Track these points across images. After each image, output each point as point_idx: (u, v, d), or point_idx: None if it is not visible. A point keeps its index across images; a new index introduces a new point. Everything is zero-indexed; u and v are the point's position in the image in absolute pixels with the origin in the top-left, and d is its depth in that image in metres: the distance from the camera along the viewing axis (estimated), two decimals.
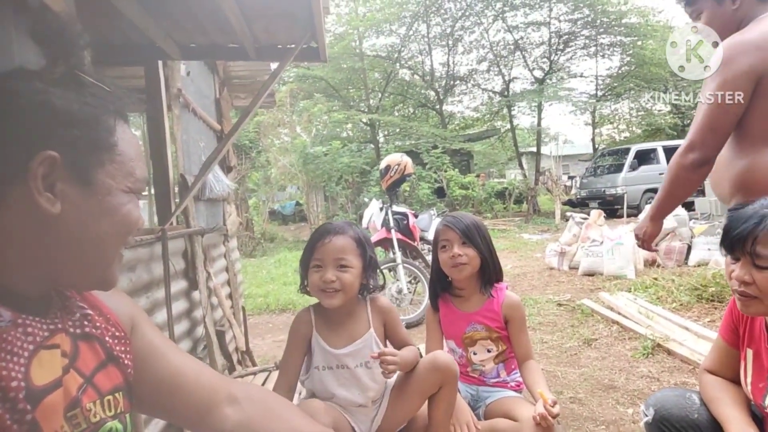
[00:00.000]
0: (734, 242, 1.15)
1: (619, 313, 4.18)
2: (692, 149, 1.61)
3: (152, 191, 5.67)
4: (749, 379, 1.29)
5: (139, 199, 0.76)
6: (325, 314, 1.55)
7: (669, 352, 3.32)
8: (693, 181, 1.65)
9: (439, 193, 14.03)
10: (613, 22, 16.14)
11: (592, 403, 2.77)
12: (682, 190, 1.71)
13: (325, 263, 1.47)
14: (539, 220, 13.97)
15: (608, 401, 2.77)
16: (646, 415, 1.43)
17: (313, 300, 1.59)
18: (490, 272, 1.79)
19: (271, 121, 13.98)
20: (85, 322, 0.74)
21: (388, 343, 1.63)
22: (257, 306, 5.99)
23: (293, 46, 2.42)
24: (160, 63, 2.57)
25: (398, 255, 4.73)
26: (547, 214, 14.69)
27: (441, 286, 1.87)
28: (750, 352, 1.30)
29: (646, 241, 1.91)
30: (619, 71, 18.34)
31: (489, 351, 1.81)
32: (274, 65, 2.93)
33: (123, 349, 0.79)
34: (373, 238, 4.72)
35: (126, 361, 0.79)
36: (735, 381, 1.37)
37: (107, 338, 0.77)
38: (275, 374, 2.37)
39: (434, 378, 1.52)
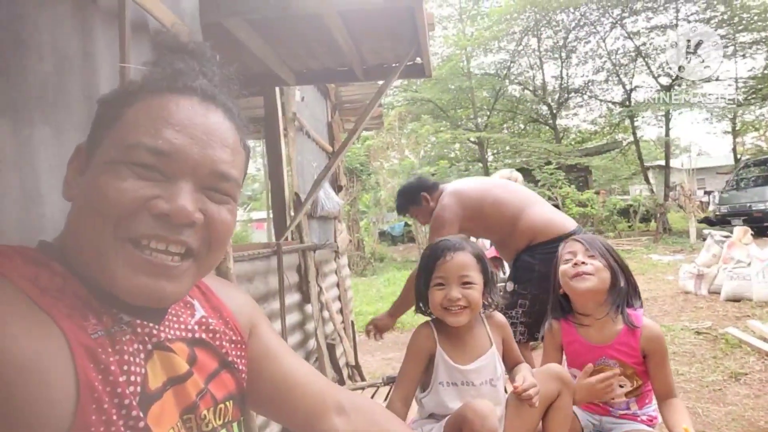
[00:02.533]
0: None
1: None
2: None
3: (270, 210, 6.08)
4: None
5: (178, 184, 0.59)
6: (446, 330, 1.51)
7: None
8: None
9: None
10: (754, 18, 14.36)
11: None
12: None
13: (448, 281, 1.44)
14: (671, 239, 12.65)
15: None
16: None
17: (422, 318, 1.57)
18: (623, 293, 1.55)
19: (380, 144, 14.41)
20: (202, 327, 0.74)
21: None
22: (367, 323, 6.09)
23: (398, 64, 2.46)
24: (277, 90, 2.76)
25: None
26: (680, 233, 13.26)
27: (562, 310, 1.65)
28: None
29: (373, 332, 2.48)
30: (764, 72, 16.20)
31: (621, 386, 1.57)
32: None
33: (239, 353, 0.79)
34: None
35: (240, 366, 0.79)
36: None
37: (224, 342, 0.77)
38: (384, 390, 2.37)
39: (552, 386, 1.43)
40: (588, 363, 1.54)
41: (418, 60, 2.46)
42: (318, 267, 3.33)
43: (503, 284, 2.41)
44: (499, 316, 1.58)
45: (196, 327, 0.73)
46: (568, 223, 2.35)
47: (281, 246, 2.29)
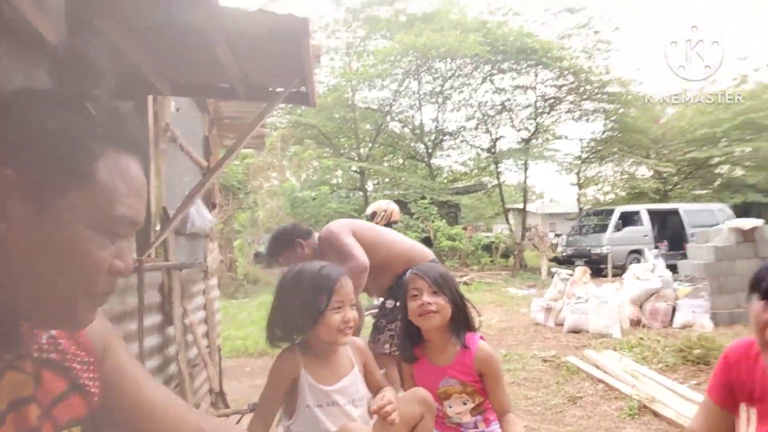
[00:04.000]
0: None
1: (605, 372, 4.09)
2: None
3: None
4: None
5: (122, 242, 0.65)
6: (311, 352, 1.53)
7: (655, 414, 3.22)
8: None
9: (426, 243, 14.01)
10: (596, 90, 16.83)
11: None
12: None
13: (344, 303, 1.49)
14: (526, 275, 13.95)
15: None
16: None
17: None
18: (460, 322, 1.73)
19: (261, 164, 14.06)
20: (52, 348, 0.70)
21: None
22: (235, 348, 5.79)
23: (282, 89, 2.45)
24: (150, 98, 2.57)
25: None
26: (534, 270, 14.69)
27: (412, 339, 1.79)
28: (753, 412, 1.24)
29: None
30: (603, 135, 18.97)
31: (465, 404, 1.74)
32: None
33: (91, 376, 0.75)
34: None
35: (92, 389, 0.74)
36: None
37: (75, 365, 0.73)
38: (248, 417, 2.25)
39: (416, 409, 1.51)
40: (433, 383, 1.71)
41: (303, 89, 2.47)
42: (184, 287, 3.11)
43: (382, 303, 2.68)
44: (359, 341, 1.66)
45: (45, 346, 0.69)
46: (428, 252, 2.76)
47: (143, 263, 2.10)
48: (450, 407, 1.74)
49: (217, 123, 4.17)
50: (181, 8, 1.64)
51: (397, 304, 2.50)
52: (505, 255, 16.25)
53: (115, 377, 0.79)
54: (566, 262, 14.12)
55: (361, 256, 2.44)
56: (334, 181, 18.33)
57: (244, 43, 1.98)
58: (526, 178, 18.79)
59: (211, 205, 3.78)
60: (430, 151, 18.99)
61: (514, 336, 6.09)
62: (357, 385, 1.54)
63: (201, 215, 2.92)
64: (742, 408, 1.28)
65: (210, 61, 2.13)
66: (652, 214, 13.89)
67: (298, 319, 1.50)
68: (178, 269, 2.73)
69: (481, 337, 1.77)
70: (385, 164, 19.78)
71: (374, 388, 1.59)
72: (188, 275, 3.18)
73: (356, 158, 17.53)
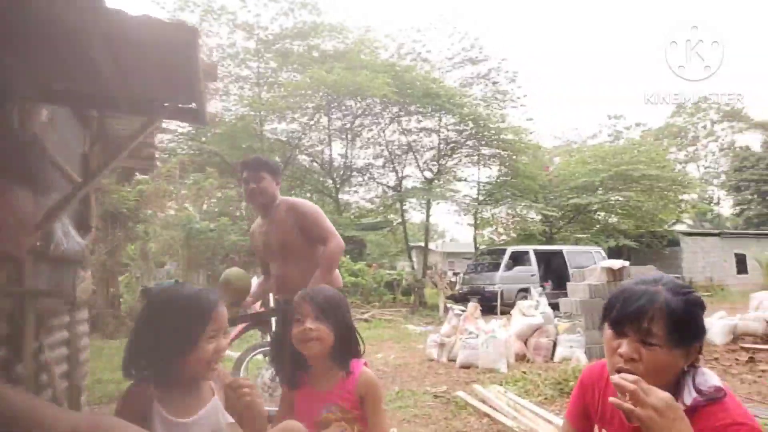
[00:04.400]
0: (625, 319, 1.16)
1: (490, 406, 4.21)
2: None
3: None
4: None
5: None
6: (166, 386, 1.39)
7: None
8: None
9: None
10: (493, 137, 18.11)
11: None
12: None
13: (218, 332, 1.40)
14: (425, 312, 14.24)
15: None
16: None
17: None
18: (346, 348, 1.71)
19: (155, 190, 13.21)
20: None
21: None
22: (107, 394, 5.18)
23: (168, 104, 2.33)
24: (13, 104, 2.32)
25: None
26: (433, 307, 15.04)
27: (296, 363, 1.74)
28: None
29: None
30: (498, 180, 20.35)
31: None
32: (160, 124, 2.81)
33: None
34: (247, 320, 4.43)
35: None
36: None
37: None
38: None
39: None
40: (314, 409, 1.67)
41: (193, 105, 2.37)
42: (41, 319, 2.75)
43: None
44: (223, 370, 1.57)
45: None
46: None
47: None
48: None
49: (102, 140, 3.86)
50: (51, 1, 1.51)
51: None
52: (407, 292, 16.53)
53: None
54: (462, 299, 14.65)
55: (339, 237, 2.65)
56: (238, 213, 17.71)
57: (127, 49, 1.84)
58: (428, 216, 19.48)
59: (85, 228, 3.44)
60: (338, 186, 19.10)
61: (409, 372, 6.11)
62: (217, 416, 1.43)
63: (68, 237, 2.63)
64: (596, 431, 1.35)
65: (87, 66, 1.97)
66: (539, 254, 14.97)
67: (167, 347, 1.36)
68: (34, 296, 2.42)
69: (365, 363, 1.75)
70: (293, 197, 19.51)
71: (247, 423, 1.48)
72: (47, 305, 2.83)
73: None
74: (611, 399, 1.19)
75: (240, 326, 4.52)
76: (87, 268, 3.62)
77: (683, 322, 1.15)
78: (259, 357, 4.60)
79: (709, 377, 1.18)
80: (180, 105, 2.25)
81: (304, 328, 1.64)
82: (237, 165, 2.87)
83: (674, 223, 21.93)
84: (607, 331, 1.24)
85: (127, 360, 1.40)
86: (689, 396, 1.15)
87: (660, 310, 1.14)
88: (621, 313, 1.19)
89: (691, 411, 1.12)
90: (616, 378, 1.08)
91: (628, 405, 1.05)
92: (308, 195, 20.37)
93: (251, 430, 1.47)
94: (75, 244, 2.70)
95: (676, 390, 1.17)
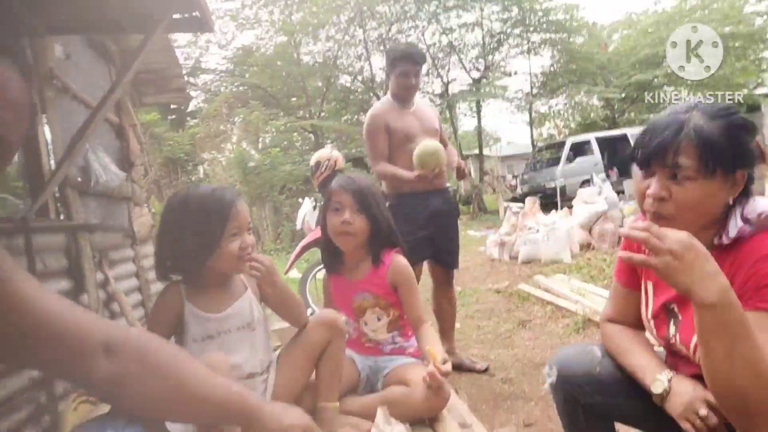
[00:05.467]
0: (652, 155, 1.02)
1: (554, 294, 4.14)
2: None
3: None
4: (650, 314, 1.19)
5: None
6: (196, 283, 1.40)
7: (598, 326, 3.28)
8: None
9: None
10: (541, 20, 16.60)
11: (523, 383, 2.67)
12: None
13: (241, 230, 1.37)
14: (485, 217, 14.13)
15: (538, 378, 2.67)
16: (550, 376, 1.31)
17: None
18: (380, 240, 1.67)
19: (206, 132, 13.46)
20: None
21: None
22: None
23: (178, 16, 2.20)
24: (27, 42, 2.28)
25: None
26: (493, 212, 14.88)
27: (332, 254, 1.72)
28: (650, 285, 1.20)
29: None
30: (551, 68, 18.92)
31: (379, 319, 1.69)
32: (182, 59, 2.70)
33: None
34: (308, 238, 4.52)
35: None
36: (638, 327, 1.28)
37: None
38: None
39: (321, 334, 1.46)
40: (348, 297, 1.69)
41: (197, 13, 2.23)
42: (103, 253, 2.90)
43: None
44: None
45: None
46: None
47: (28, 221, 1.89)
48: (366, 324, 1.70)
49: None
50: None
51: None
52: (466, 202, 16.36)
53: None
54: (523, 200, 14.34)
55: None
56: (287, 143, 17.83)
57: None
58: (479, 119, 18.71)
59: (129, 164, 3.52)
60: None
61: (471, 274, 6.13)
62: (251, 308, 1.44)
63: (107, 170, 2.68)
64: (643, 284, 1.24)
65: None
66: (602, 141, 14.05)
67: (190, 249, 1.34)
68: (87, 231, 2.52)
69: (398, 250, 1.71)
70: (343, 121, 19.30)
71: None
72: (107, 240, 2.97)
73: (308, 117, 17.03)
74: (620, 253, 1.07)
75: (298, 247, 4.62)
76: (141, 205, 3.75)
77: (719, 149, 0.97)
78: (322, 274, 4.73)
79: (760, 204, 1.00)
80: (186, 15, 2.12)
81: (344, 219, 1.60)
82: (387, 54, 2.79)
83: (755, 87, 19.58)
84: (636, 173, 1.09)
85: (157, 263, 1.40)
86: (734, 228, 1.00)
87: (688, 138, 0.98)
88: (647, 149, 1.02)
89: (736, 243, 1.00)
90: (623, 230, 0.94)
91: (639, 256, 0.93)
92: (354, 117, 20.11)
93: (290, 319, 1.49)
94: (114, 177, 2.76)
95: (723, 226, 1.03)
